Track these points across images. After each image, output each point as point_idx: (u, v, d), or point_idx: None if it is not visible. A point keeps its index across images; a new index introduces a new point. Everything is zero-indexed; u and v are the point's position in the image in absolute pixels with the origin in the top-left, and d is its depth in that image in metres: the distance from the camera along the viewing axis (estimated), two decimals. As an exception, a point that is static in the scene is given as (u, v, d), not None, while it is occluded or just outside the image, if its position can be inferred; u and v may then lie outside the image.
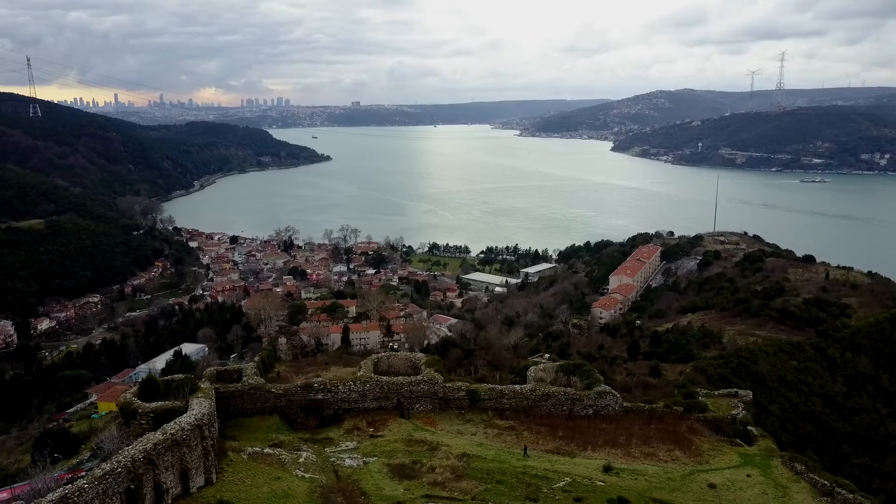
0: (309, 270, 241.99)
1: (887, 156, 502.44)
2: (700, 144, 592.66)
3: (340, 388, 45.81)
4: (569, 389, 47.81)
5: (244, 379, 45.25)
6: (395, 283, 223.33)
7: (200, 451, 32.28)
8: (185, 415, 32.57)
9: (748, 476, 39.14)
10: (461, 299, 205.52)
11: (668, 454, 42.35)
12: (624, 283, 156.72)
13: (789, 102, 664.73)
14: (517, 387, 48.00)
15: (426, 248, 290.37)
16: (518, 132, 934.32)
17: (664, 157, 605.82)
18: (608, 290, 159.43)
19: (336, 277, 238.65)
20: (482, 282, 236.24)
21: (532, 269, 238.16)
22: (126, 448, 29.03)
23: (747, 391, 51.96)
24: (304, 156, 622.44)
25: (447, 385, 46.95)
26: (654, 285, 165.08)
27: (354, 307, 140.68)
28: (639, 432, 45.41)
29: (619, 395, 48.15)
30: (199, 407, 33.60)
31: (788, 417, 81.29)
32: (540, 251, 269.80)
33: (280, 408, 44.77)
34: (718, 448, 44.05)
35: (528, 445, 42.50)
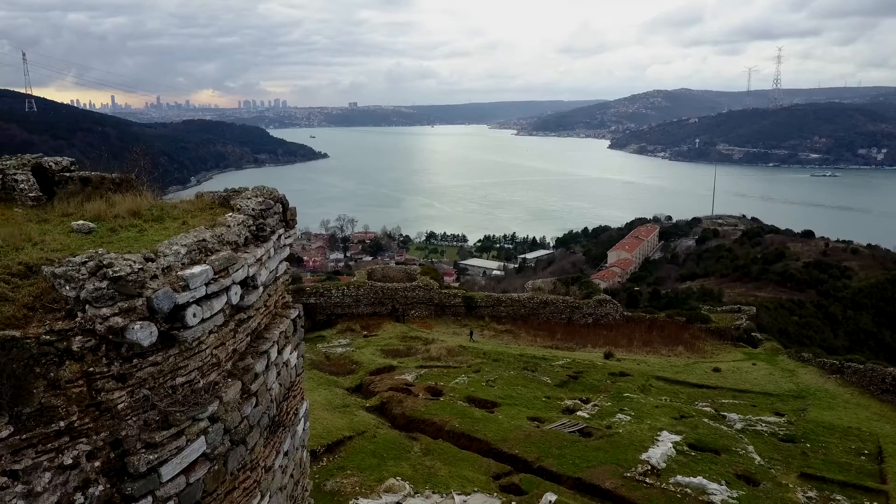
0: (305, 257, 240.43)
1: (884, 150, 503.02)
2: (697, 141, 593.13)
3: (334, 292, 44.57)
4: (567, 297, 46.60)
5: (234, 282, 43.94)
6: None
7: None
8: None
9: (753, 364, 37.98)
10: (458, 283, 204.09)
11: (671, 351, 41.19)
12: (622, 257, 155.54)
13: (786, 101, 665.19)
14: (514, 294, 46.86)
15: (423, 238, 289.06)
16: (515, 131, 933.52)
17: (661, 154, 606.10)
18: (606, 265, 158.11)
19: (333, 264, 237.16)
20: (480, 267, 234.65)
21: (530, 255, 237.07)
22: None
23: (751, 307, 50.81)
24: (301, 153, 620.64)
25: (443, 291, 45.74)
26: (652, 259, 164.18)
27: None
28: (640, 337, 44.21)
29: (619, 304, 46.94)
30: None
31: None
32: (538, 239, 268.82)
33: (271, 311, 43.48)
34: (722, 348, 42.92)
35: (525, 345, 41.30)
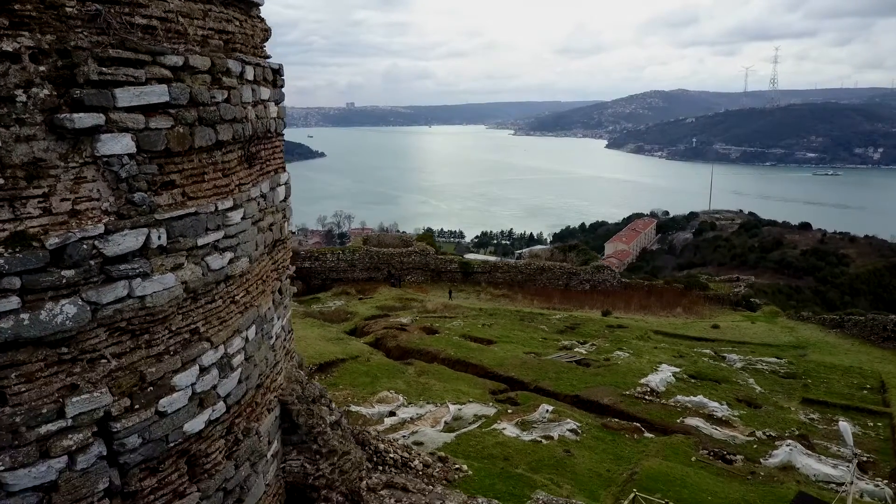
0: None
1: (881, 150, 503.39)
2: (694, 140, 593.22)
3: (329, 256, 44.13)
4: (565, 264, 46.17)
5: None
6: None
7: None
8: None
9: (752, 323, 37.60)
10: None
11: (669, 313, 40.79)
12: (619, 249, 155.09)
13: (783, 101, 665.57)
14: (511, 261, 46.42)
15: (421, 233, 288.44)
16: (512, 131, 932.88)
17: (658, 154, 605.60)
18: (603, 257, 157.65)
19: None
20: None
21: (527, 250, 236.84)
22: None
23: (749, 276, 50.41)
24: (297, 152, 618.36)
25: (439, 257, 45.29)
26: (649, 250, 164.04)
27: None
28: (638, 301, 43.79)
29: (616, 272, 46.51)
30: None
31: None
32: (534, 235, 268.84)
33: (265, 275, 42.95)
34: (721, 312, 42.52)
35: (522, 308, 40.84)
